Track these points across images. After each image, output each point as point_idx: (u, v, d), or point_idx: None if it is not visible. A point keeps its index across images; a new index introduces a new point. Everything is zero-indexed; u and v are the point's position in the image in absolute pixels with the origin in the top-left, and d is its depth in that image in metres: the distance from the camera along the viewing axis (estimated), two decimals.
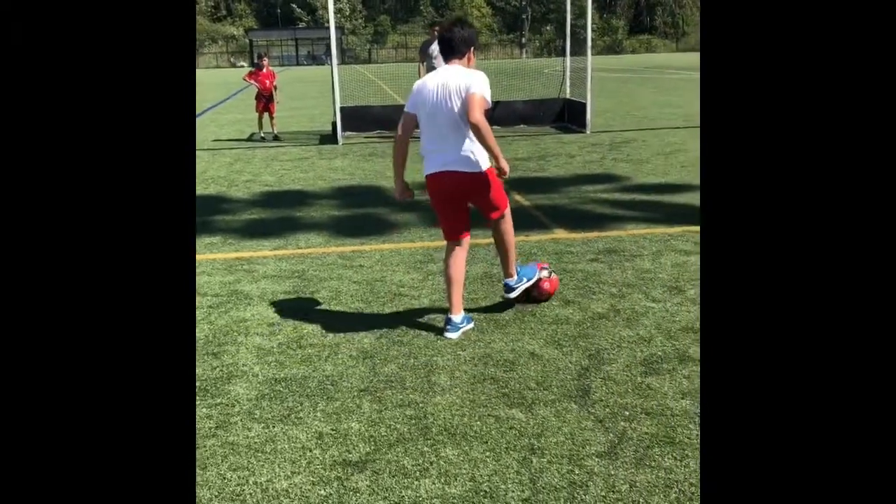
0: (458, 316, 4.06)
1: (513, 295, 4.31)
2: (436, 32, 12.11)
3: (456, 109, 3.77)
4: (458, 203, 4.02)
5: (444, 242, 4.18)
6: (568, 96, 13.97)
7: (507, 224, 4.17)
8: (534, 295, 4.44)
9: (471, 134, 3.80)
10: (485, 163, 3.92)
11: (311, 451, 2.95)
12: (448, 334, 4.01)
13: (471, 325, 4.13)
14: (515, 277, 4.31)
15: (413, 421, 3.15)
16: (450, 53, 3.92)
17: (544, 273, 4.44)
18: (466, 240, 4.13)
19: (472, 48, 3.97)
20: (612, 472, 2.74)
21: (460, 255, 4.10)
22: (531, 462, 2.82)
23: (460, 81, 3.77)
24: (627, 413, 3.16)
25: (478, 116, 3.68)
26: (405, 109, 3.98)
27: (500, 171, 3.91)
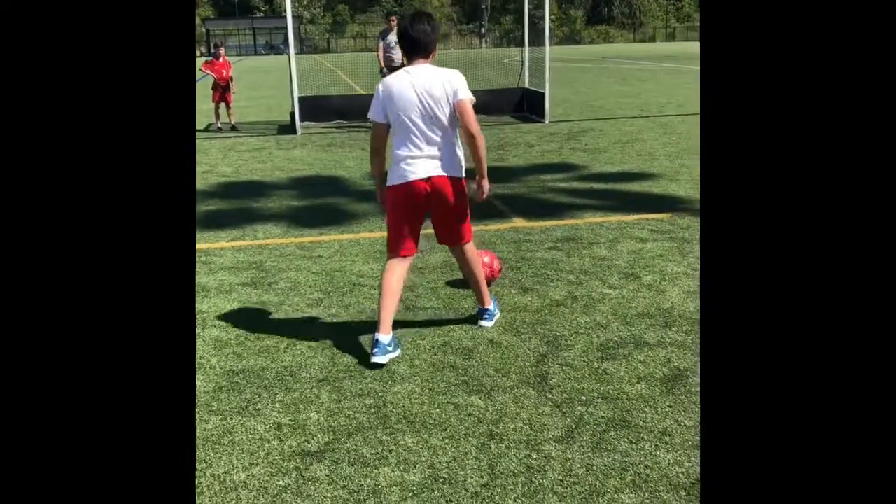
0: (387, 336, 3.60)
1: (492, 324, 4.00)
2: (392, 22, 12.16)
3: (446, 114, 3.55)
4: (422, 213, 3.74)
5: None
6: (527, 86, 14.02)
7: (474, 250, 3.94)
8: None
9: (458, 140, 3.67)
10: (464, 171, 3.71)
11: (269, 441, 2.93)
12: (375, 359, 3.52)
13: (398, 353, 3.67)
14: (493, 305, 4.05)
15: (372, 410, 3.15)
16: (416, 51, 3.60)
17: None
18: (412, 258, 3.86)
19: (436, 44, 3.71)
20: (570, 457, 2.78)
21: (404, 272, 3.79)
22: (490, 448, 2.84)
23: (445, 85, 3.54)
24: (584, 398, 3.20)
25: (477, 128, 3.60)
26: (374, 119, 3.65)
27: (479, 190, 3.74)
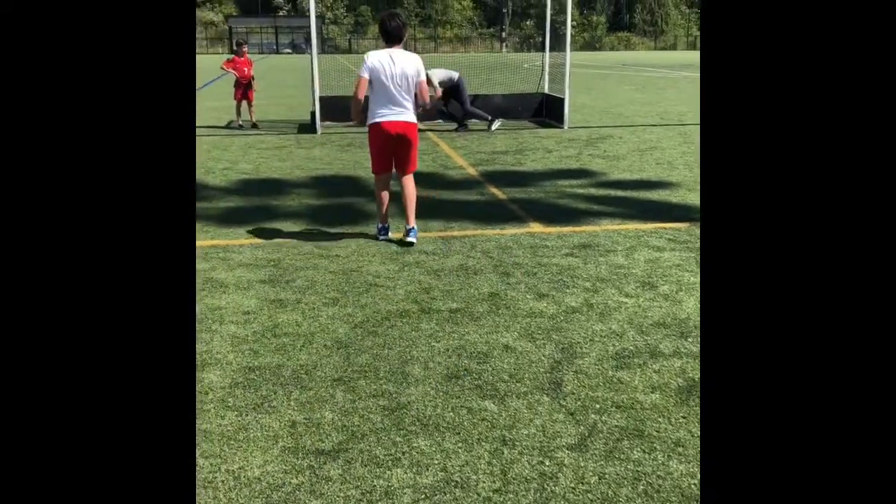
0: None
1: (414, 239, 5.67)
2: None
3: (413, 84, 5.51)
4: (396, 146, 5.56)
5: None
6: (546, 91, 14.01)
7: (412, 182, 5.79)
8: None
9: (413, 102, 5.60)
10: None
11: (283, 439, 2.95)
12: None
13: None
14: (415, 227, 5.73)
15: (386, 411, 3.16)
16: (393, 40, 5.54)
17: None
18: (391, 173, 5.77)
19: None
20: (582, 465, 2.78)
21: (388, 182, 5.78)
22: (502, 453, 2.85)
23: (415, 65, 5.50)
24: (598, 406, 3.20)
25: (428, 98, 5.68)
26: (362, 75, 5.47)
27: (436, 94, 5.80)
